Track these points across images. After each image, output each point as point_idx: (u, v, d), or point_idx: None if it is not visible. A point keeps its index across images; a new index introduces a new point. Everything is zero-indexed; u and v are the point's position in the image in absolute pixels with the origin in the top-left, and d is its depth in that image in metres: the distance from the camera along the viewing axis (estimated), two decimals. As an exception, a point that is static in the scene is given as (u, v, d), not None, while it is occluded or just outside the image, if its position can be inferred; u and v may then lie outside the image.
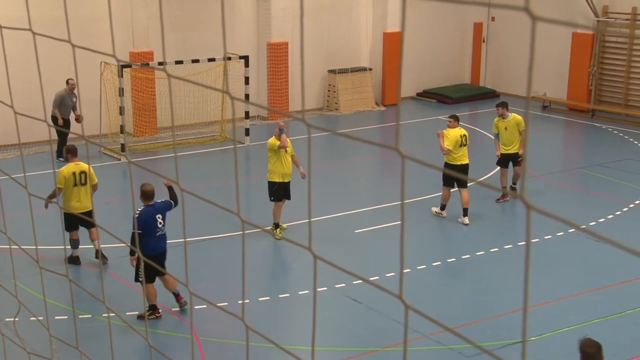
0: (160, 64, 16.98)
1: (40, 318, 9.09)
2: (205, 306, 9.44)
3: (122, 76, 16.45)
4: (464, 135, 12.63)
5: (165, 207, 9.54)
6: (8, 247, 10.70)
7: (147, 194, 9.36)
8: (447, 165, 12.42)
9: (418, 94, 23.17)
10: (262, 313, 9.67)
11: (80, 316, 9.21)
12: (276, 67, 20.27)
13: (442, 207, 12.96)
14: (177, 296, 9.64)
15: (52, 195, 10.63)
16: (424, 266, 11.03)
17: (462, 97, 22.74)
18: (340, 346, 9.02)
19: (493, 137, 14.36)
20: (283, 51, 20.28)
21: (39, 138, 16.47)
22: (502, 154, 13.86)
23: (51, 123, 14.76)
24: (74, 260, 10.98)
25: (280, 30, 20.19)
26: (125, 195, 14.67)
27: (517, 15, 21.17)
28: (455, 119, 12.75)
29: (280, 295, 10.28)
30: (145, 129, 18.46)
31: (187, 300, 9.62)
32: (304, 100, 20.98)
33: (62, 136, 15.88)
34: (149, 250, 9.09)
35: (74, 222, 10.82)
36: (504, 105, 13.95)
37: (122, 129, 16.64)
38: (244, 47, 19.07)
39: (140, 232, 9.03)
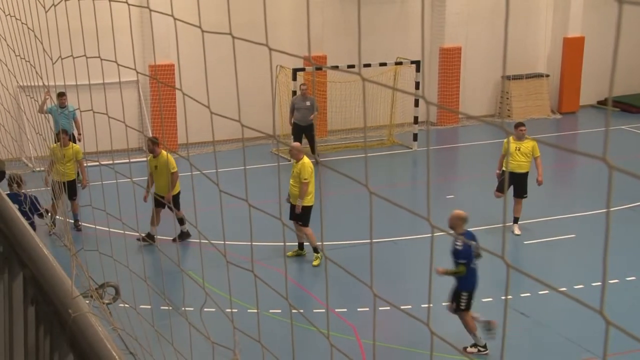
0: (334, 67, 17.33)
1: (229, 310, 9.55)
2: (367, 308, 9.49)
3: (295, 79, 16.97)
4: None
5: (26, 201, 8.89)
6: (198, 241, 11.41)
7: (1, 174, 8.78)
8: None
9: (599, 102, 21.97)
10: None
11: (248, 310, 9.53)
12: (448, 72, 20.06)
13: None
14: None
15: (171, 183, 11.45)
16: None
17: (649, 106, 21.26)
18: (505, 360, 8.74)
19: None
20: (456, 56, 20.03)
21: (230, 137, 17.01)
22: None
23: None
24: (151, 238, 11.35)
25: (453, 35, 19.95)
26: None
27: None
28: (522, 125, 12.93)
29: (444, 303, 10.13)
30: (316, 131, 18.92)
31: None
32: (476, 105, 20.54)
33: (298, 141, 15.58)
34: None
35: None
36: None
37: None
38: (415, 52, 19.02)
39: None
